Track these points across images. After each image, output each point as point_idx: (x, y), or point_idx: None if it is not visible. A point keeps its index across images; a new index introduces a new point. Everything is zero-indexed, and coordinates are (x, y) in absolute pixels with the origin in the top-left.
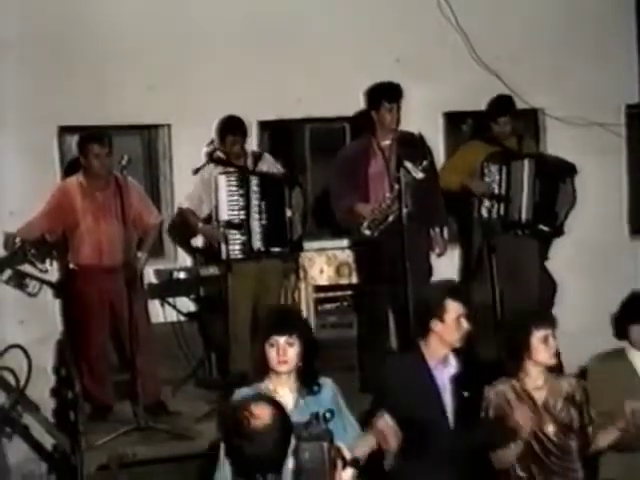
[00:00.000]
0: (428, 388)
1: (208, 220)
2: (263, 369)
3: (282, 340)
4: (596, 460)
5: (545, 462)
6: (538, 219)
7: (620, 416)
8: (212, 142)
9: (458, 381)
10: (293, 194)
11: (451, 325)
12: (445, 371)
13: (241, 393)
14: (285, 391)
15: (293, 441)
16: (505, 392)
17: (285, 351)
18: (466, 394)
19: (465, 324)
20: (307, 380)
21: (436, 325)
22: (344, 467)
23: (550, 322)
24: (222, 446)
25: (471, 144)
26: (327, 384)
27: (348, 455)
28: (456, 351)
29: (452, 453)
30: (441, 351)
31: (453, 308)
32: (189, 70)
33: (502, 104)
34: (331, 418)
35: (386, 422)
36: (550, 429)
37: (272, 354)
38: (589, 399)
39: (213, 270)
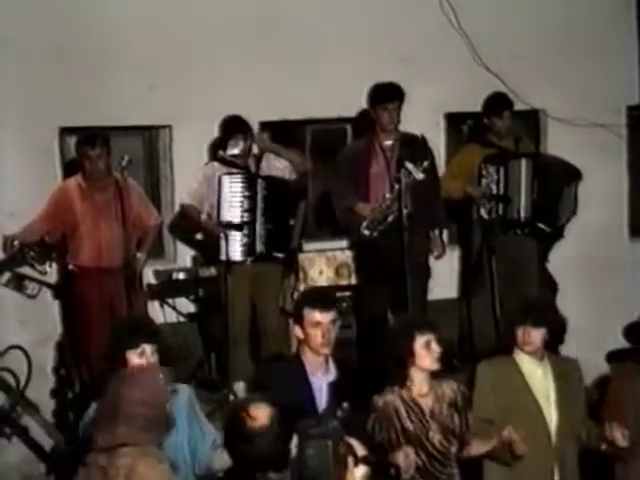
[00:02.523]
0: (303, 393)
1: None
2: None
3: (151, 348)
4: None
5: (428, 468)
6: (537, 218)
7: (499, 432)
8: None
9: (335, 388)
10: (299, 205)
11: (310, 333)
12: (324, 378)
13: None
14: None
15: (296, 439)
16: (393, 402)
17: (153, 359)
18: (345, 404)
19: (328, 331)
20: None
21: (298, 332)
22: (356, 464)
23: (432, 327)
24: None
25: (468, 148)
26: (182, 389)
27: (360, 452)
28: (337, 358)
29: None
30: (314, 357)
31: (311, 316)
32: (190, 71)
33: (499, 100)
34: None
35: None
36: (436, 437)
37: (141, 363)
38: (469, 404)
39: (212, 271)
